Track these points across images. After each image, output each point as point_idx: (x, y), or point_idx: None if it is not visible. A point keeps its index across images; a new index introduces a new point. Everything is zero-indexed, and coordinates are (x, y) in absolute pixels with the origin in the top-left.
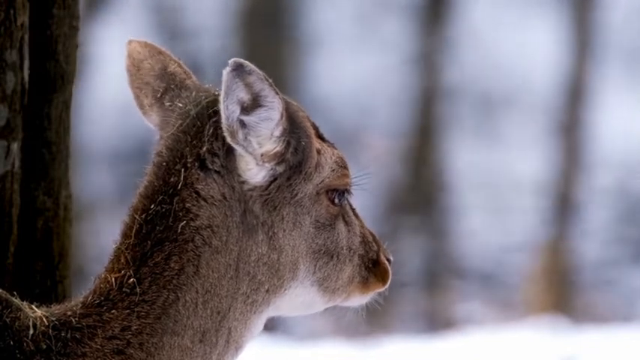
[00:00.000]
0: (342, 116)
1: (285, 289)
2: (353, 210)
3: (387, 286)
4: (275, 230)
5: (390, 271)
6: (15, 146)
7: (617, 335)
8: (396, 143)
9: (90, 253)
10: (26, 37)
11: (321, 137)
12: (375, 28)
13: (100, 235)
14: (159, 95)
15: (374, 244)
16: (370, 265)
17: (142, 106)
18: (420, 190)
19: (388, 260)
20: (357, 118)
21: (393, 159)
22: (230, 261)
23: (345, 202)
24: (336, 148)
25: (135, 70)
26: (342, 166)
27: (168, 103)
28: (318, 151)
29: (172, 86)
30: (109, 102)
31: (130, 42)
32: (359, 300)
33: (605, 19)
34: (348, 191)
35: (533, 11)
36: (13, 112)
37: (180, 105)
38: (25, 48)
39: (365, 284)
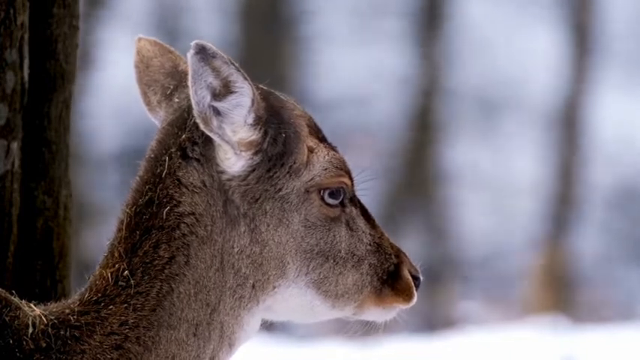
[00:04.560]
0: (341, 114)
1: (275, 288)
2: (370, 220)
3: (412, 303)
4: (257, 223)
5: (414, 289)
6: (15, 146)
7: (617, 335)
8: (395, 142)
9: (90, 253)
10: (26, 36)
11: (320, 138)
12: (375, 28)
13: (101, 235)
14: (168, 92)
15: (393, 256)
16: (385, 277)
17: (148, 103)
18: (419, 189)
19: (416, 278)
20: (356, 116)
21: (391, 158)
22: (215, 252)
23: (350, 207)
24: (336, 151)
25: (143, 66)
26: (338, 167)
27: (177, 100)
28: (311, 149)
29: (184, 84)
30: (111, 102)
31: (139, 39)
32: (378, 314)
33: (604, 21)
34: (344, 192)
35: (533, 13)
36: (13, 111)
37: (177, 101)
38: (25, 47)
39: (379, 296)
